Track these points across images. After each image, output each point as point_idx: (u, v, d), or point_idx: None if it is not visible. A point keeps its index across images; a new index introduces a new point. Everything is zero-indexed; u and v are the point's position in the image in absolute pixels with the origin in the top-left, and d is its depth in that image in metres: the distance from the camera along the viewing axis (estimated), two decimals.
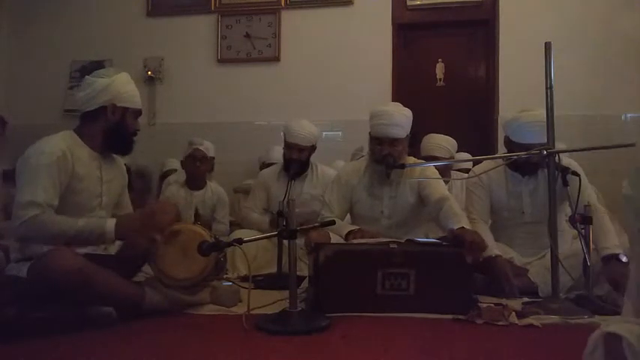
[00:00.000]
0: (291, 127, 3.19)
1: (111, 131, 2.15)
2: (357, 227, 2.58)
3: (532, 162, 2.52)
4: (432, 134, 3.60)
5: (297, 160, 3.15)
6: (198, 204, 3.63)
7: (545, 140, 2.27)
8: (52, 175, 1.97)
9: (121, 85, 2.14)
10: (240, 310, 2.10)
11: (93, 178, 2.13)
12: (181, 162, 3.77)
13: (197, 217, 3.47)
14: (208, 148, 3.75)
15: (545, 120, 2.26)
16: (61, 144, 2.04)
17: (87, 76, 2.18)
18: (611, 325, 0.87)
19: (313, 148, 3.26)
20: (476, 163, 3.01)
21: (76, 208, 2.05)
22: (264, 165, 4.00)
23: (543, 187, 2.57)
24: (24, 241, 1.98)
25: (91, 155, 2.14)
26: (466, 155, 3.79)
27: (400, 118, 2.59)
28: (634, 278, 0.95)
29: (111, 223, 1.99)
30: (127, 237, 2.07)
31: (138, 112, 2.22)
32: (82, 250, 1.98)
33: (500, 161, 2.62)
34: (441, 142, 3.51)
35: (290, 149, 3.19)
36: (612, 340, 0.85)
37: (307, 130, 3.18)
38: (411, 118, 2.65)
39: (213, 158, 3.98)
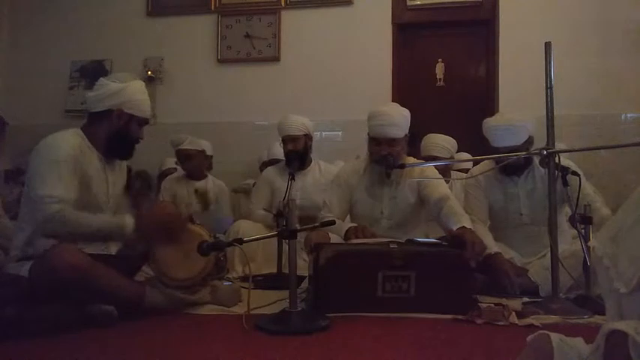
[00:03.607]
0: (280, 122, 3.33)
1: (114, 135, 2.16)
2: (356, 225, 2.58)
3: (515, 164, 2.59)
4: (432, 134, 3.60)
5: (293, 152, 3.23)
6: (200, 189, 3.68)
7: (511, 143, 2.49)
8: (70, 170, 2.00)
9: (132, 93, 2.17)
10: (240, 310, 2.10)
11: (99, 178, 2.16)
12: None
13: (203, 197, 3.51)
14: (200, 144, 3.77)
15: (510, 124, 2.49)
16: (75, 140, 2.08)
17: (101, 78, 2.22)
18: (616, 323, 0.87)
19: (308, 137, 3.31)
20: (476, 163, 3.01)
21: (85, 208, 2.06)
22: (265, 164, 4.01)
23: (540, 189, 2.59)
24: (46, 235, 1.98)
25: (97, 155, 2.16)
26: (466, 155, 3.78)
27: (398, 118, 2.59)
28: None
29: (130, 219, 2.04)
30: (145, 233, 2.08)
31: (144, 121, 2.23)
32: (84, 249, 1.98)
33: (492, 163, 2.64)
34: (441, 142, 3.51)
35: (285, 143, 3.29)
36: (616, 338, 0.85)
37: (295, 120, 3.27)
38: (409, 118, 2.65)
39: (211, 157, 3.99)
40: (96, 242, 2.05)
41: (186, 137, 3.74)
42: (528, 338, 1.06)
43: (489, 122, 2.66)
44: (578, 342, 1.01)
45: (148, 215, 2.10)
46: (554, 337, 1.01)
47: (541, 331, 1.05)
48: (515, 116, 2.59)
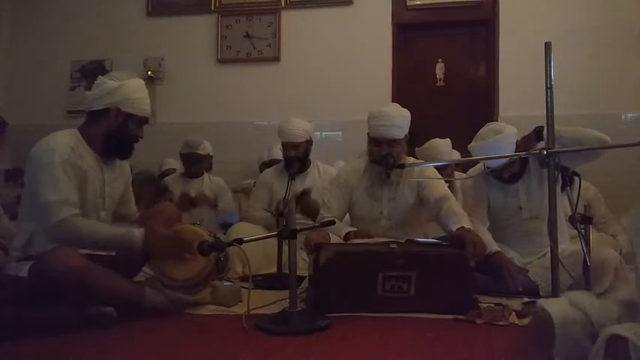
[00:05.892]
0: (282, 127, 3.27)
1: (111, 135, 2.13)
2: (355, 229, 2.58)
3: (513, 171, 2.61)
4: (431, 142, 3.49)
5: (294, 158, 3.21)
6: (196, 191, 3.68)
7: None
8: (69, 172, 1.98)
9: (129, 91, 2.12)
10: (240, 310, 2.10)
11: (96, 178, 2.13)
12: (180, 153, 3.85)
13: (194, 202, 3.54)
14: (205, 146, 3.77)
15: (494, 140, 2.49)
16: (69, 141, 2.04)
17: (100, 76, 2.18)
18: (615, 327, 0.88)
19: (309, 142, 3.29)
20: (475, 163, 3.01)
21: (81, 209, 2.04)
22: (265, 165, 4.01)
23: (537, 183, 2.60)
24: (56, 242, 1.94)
25: (93, 155, 2.13)
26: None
27: (398, 119, 2.60)
28: None
29: (139, 234, 2.00)
30: (153, 250, 2.06)
31: (142, 120, 2.19)
32: (84, 250, 1.97)
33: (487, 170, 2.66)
34: (444, 148, 3.47)
35: (286, 148, 3.26)
36: (617, 343, 0.85)
37: (297, 126, 3.23)
38: (410, 119, 2.66)
39: (211, 157, 3.99)
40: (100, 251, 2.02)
41: (202, 141, 3.75)
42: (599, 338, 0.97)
43: (474, 147, 2.62)
44: (584, 296, 0.99)
45: (157, 235, 2.04)
46: (555, 312, 0.99)
47: (614, 333, 0.93)
48: (497, 129, 2.59)
